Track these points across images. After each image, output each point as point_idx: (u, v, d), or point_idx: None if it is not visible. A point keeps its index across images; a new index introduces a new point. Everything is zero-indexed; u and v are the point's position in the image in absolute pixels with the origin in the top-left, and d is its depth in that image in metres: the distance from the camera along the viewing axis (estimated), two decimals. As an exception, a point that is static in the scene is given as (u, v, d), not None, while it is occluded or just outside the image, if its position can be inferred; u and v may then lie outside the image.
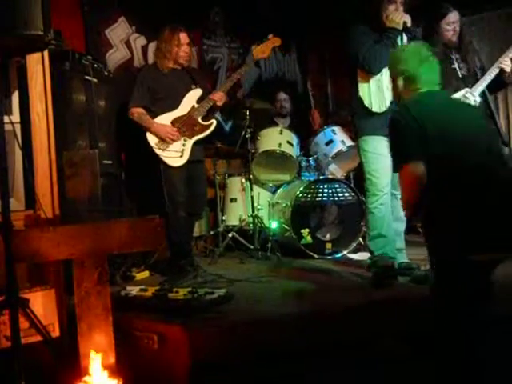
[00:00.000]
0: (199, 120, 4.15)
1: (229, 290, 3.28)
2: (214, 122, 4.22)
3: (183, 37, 4.15)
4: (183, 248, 4.13)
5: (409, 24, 3.51)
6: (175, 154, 4.06)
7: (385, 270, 3.41)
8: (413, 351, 2.90)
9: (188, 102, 4.17)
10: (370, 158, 3.57)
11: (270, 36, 4.40)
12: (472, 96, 4.15)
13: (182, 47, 4.15)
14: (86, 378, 2.39)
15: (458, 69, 4.19)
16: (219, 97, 4.16)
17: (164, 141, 4.04)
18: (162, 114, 4.10)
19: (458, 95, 4.19)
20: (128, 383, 2.43)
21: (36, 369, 2.57)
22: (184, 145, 4.09)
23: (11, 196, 2.84)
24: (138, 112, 4.09)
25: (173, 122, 4.10)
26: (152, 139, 4.06)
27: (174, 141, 4.04)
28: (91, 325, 2.49)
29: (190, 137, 4.12)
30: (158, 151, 4.05)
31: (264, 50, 4.39)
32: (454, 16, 4.08)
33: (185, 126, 4.10)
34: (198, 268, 4.13)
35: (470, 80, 4.21)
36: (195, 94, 4.20)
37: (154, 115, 4.09)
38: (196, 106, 4.16)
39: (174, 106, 4.14)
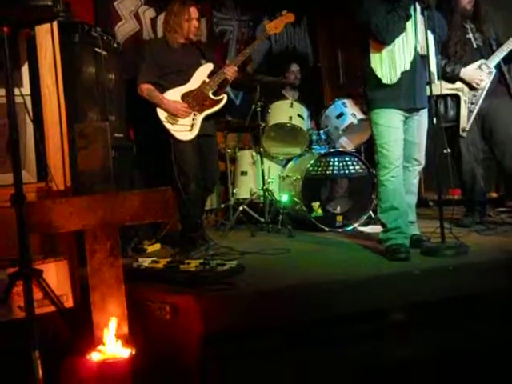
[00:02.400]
0: (210, 95, 4.12)
1: (240, 261, 3.29)
2: (225, 96, 4.19)
3: (193, 11, 4.11)
4: (194, 221, 4.13)
5: None
6: (185, 128, 4.05)
7: (398, 251, 3.39)
8: (422, 322, 2.92)
9: (199, 77, 4.14)
10: (382, 131, 3.54)
11: (284, 12, 4.36)
12: (487, 68, 4.10)
13: (192, 22, 4.11)
14: (100, 348, 2.42)
15: (472, 39, 4.14)
16: (231, 71, 4.13)
17: (174, 115, 4.03)
18: (172, 88, 4.07)
19: (472, 66, 4.14)
20: (141, 353, 2.45)
21: (50, 339, 2.61)
22: (194, 119, 4.07)
23: (23, 168, 2.85)
24: (147, 88, 4.06)
25: (183, 97, 4.08)
26: (162, 113, 4.04)
27: (184, 116, 4.03)
28: (104, 295, 2.51)
29: (200, 111, 4.10)
30: (167, 125, 4.04)
31: (277, 26, 4.34)
32: None
33: (195, 100, 4.08)
34: (210, 241, 4.14)
35: (485, 51, 4.15)
36: (206, 68, 4.17)
37: (164, 89, 4.07)
38: (207, 80, 4.13)
39: (184, 80, 4.11)
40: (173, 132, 4.03)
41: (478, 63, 4.14)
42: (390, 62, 3.48)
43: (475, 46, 4.18)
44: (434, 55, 3.55)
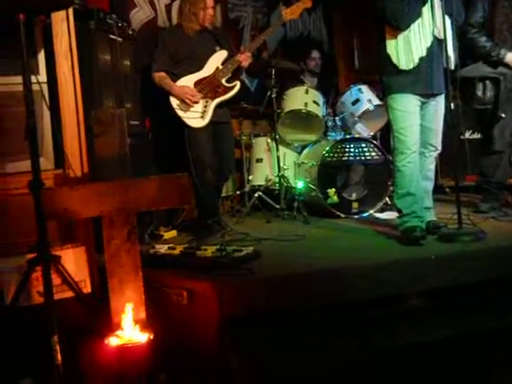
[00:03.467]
0: (223, 82, 4.11)
1: (256, 248, 3.30)
2: (238, 84, 4.17)
3: (209, 0, 4.10)
4: (210, 208, 4.14)
5: None
6: (196, 115, 4.05)
7: (413, 230, 3.38)
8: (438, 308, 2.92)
9: (213, 64, 4.13)
10: (399, 116, 3.52)
11: None
12: None
13: (208, 10, 4.10)
14: (118, 332, 2.44)
15: None
16: (245, 58, 4.12)
17: (185, 102, 4.03)
18: (186, 75, 4.07)
19: None
20: (158, 338, 2.47)
21: (69, 324, 2.63)
22: (206, 106, 4.07)
23: (41, 155, 2.87)
24: (159, 76, 4.08)
25: (196, 83, 4.07)
26: (174, 101, 4.05)
27: (193, 102, 4.02)
28: (122, 280, 2.53)
29: (213, 98, 4.09)
30: (179, 112, 4.04)
31: (294, 12, 4.31)
32: None
33: (207, 87, 4.08)
34: (226, 227, 4.15)
35: None
36: (220, 55, 4.16)
37: (178, 78, 4.07)
38: (220, 67, 4.12)
39: (199, 67, 4.10)
40: (185, 119, 4.04)
41: None
42: (406, 48, 3.45)
43: None
44: (452, 40, 3.51)
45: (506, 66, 4.12)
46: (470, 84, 4.21)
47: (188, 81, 4.07)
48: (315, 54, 6.05)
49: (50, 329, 2.38)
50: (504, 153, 4.27)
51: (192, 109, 4.05)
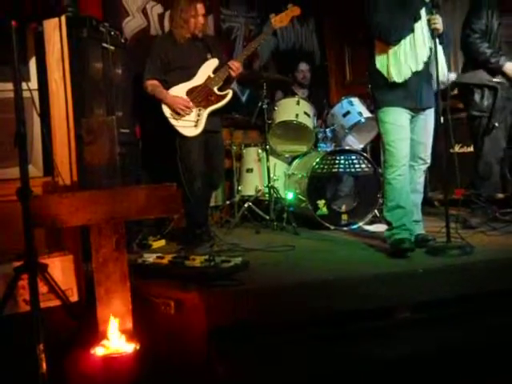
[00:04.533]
0: (215, 90, 4.11)
1: (244, 258, 3.29)
2: (230, 92, 4.17)
3: (200, 8, 4.09)
4: (199, 218, 4.14)
5: None
6: (190, 124, 4.04)
7: (402, 242, 3.40)
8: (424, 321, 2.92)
9: (204, 72, 4.12)
10: (389, 129, 3.53)
11: (290, 5, 4.33)
12: None
13: (198, 18, 4.09)
14: (104, 342, 2.43)
15: None
16: (236, 67, 4.12)
17: (175, 111, 4.02)
18: (177, 84, 4.06)
19: None
20: (145, 348, 2.46)
21: (55, 332, 2.61)
22: (199, 115, 4.06)
23: (30, 162, 2.86)
24: (151, 84, 4.06)
25: (188, 92, 4.06)
26: (166, 110, 4.03)
27: (186, 112, 4.02)
28: (109, 290, 2.52)
29: (206, 107, 4.09)
30: (172, 121, 4.03)
31: (282, 20, 4.31)
32: None
33: (200, 95, 4.07)
34: (214, 237, 4.15)
35: None
36: (211, 64, 4.15)
37: (169, 85, 4.06)
38: (212, 75, 4.11)
39: (190, 76, 4.10)
40: (178, 128, 4.02)
41: None
42: (396, 63, 3.47)
43: None
44: (443, 57, 3.54)
45: (504, 75, 4.16)
46: (468, 90, 4.25)
47: (180, 90, 4.06)
48: (303, 66, 6.08)
49: (36, 337, 2.36)
50: (494, 166, 4.29)
51: (185, 118, 4.04)
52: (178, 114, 4.02)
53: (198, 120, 4.05)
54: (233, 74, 4.13)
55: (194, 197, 4.02)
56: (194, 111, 4.05)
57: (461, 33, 4.30)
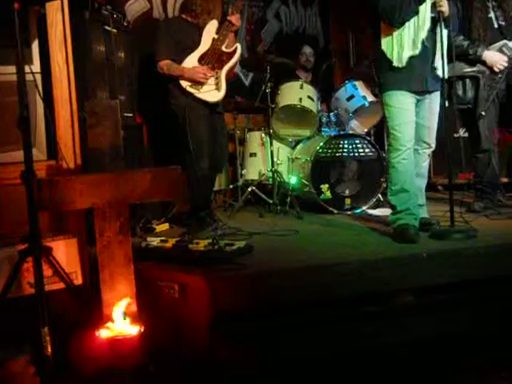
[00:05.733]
0: (223, 49, 4.13)
1: (248, 242, 3.30)
2: (238, 45, 4.20)
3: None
4: (204, 200, 4.14)
5: None
6: (211, 88, 4.05)
7: (407, 231, 3.39)
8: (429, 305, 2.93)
9: (207, 36, 4.13)
10: (394, 113, 3.52)
11: None
12: (509, 50, 4.02)
13: (219, 2, 4.15)
14: (109, 325, 2.44)
15: (493, 18, 4.06)
16: (235, 19, 4.13)
17: (198, 82, 4.02)
18: (187, 57, 4.07)
19: (494, 49, 4.08)
20: (149, 331, 2.47)
21: (60, 315, 2.63)
22: (217, 78, 4.08)
23: (33, 146, 2.85)
24: (165, 64, 4.06)
25: (199, 60, 4.08)
26: (185, 82, 4.03)
27: (207, 78, 4.03)
28: (113, 273, 2.52)
29: (221, 68, 4.11)
30: (192, 91, 4.02)
31: None
32: None
33: (212, 59, 4.08)
34: (218, 221, 4.15)
35: (508, 30, 4.07)
36: (212, 26, 4.17)
37: (180, 63, 4.06)
38: (216, 36, 4.12)
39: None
40: (200, 96, 4.03)
41: (499, 44, 4.05)
42: (400, 45, 3.44)
43: (496, 25, 4.09)
44: (447, 39, 3.52)
45: (483, 63, 4.12)
46: (449, 84, 4.21)
47: (191, 60, 4.06)
48: (306, 49, 6.05)
49: (41, 320, 2.37)
50: (492, 151, 4.27)
51: (205, 85, 4.04)
52: (197, 83, 4.02)
53: (217, 83, 4.07)
54: (235, 27, 4.15)
55: (200, 178, 4.01)
56: (212, 75, 4.06)
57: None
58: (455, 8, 4.13)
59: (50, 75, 3.11)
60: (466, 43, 4.10)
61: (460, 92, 4.19)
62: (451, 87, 4.21)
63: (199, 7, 4.19)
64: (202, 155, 4.03)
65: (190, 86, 4.02)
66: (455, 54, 4.03)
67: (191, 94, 4.02)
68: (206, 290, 2.67)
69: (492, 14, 4.08)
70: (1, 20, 2.65)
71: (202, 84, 4.03)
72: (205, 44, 4.11)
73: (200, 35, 4.13)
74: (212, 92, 4.05)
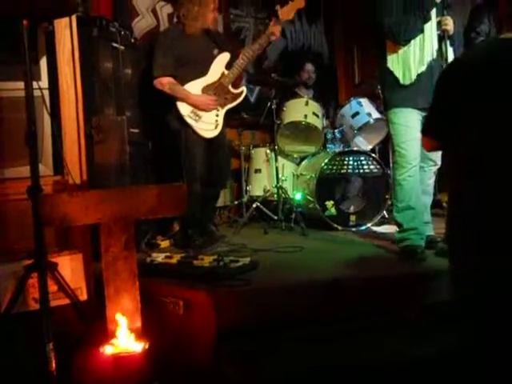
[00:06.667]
0: (230, 88, 4.02)
1: (253, 258, 3.29)
2: (244, 89, 4.11)
3: (216, 1, 4.02)
4: (192, 219, 4.02)
5: None
6: (209, 126, 3.93)
7: (414, 250, 3.38)
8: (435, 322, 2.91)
9: (217, 68, 4.01)
10: (400, 130, 3.52)
11: None
12: None
13: (215, 12, 4.03)
14: (113, 341, 2.43)
15: None
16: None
17: (200, 110, 3.90)
18: (190, 80, 3.94)
19: None
20: (154, 347, 2.46)
21: (64, 331, 2.62)
22: (217, 115, 3.97)
23: (40, 161, 2.86)
24: (169, 82, 3.89)
25: (203, 90, 3.96)
26: (185, 109, 3.90)
27: (212, 109, 3.93)
28: (118, 289, 2.52)
29: (223, 106, 4.00)
30: (190, 121, 3.89)
31: (289, 12, 4.14)
32: None
33: (216, 94, 3.97)
34: (213, 235, 4.10)
35: None
36: (224, 58, 4.05)
37: (180, 81, 3.92)
38: (226, 72, 4.01)
39: (202, 71, 3.98)
40: (196, 129, 3.90)
41: None
42: (406, 63, 3.47)
43: None
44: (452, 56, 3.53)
45: None
46: None
47: (195, 87, 3.93)
48: (308, 66, 6.08)
49: (46, 336, 2.37)
50: None
51: (204, 118, 3.92)
52: (197, 113, 3.91)
53: (216, 120, 3.96)
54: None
55: (191, 198, 3.94)
56: (214, 111, 3.97)
57: (464, 35, 4.29)
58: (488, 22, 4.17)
59: (58, 91, 3.12)
60: None
61: None
62: None
63: (187, 11, 3.97)
64: (195, 178, 3.93)
65: (189, 116, 3.89)
66: None
67: (189, 125, 3.91)
68: (211, 306, 2.66)
69: None
70: (10, 36, 2.68)
71: (201, 116, 3.91)
72: (213, 75, 3.98)
73: (198, 43, 4.01)
74: (209, 130, 3.94)
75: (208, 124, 3.94)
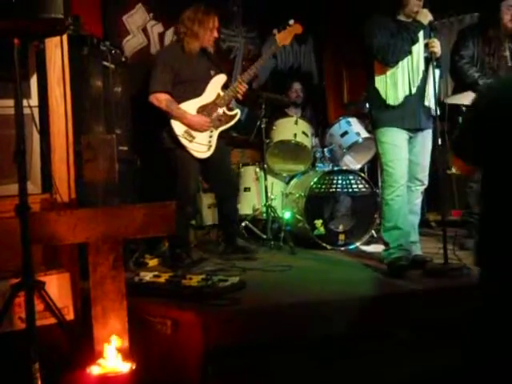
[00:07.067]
0: (225, 109, 4.06)
1: (241, 277, 3.28)
2: (238, 112, 4.14)
3: (216, 21, 4.05)
4: (181, 238, 4.05)
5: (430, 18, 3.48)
6: (202, 148, 3.95)
7: (399, 259, 3.41)
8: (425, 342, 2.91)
9: (213, 89, 4.04)
10: (387, 149, 3.56)
11: (292, 22, 4.25)
12: None
13: (214, 31, 4.05)
14: (100, 361, 2.41)
15: (509, 58, 4.17)
16: (244, 87, 4.09)
17: (194, 131, 3.92)
18: (186, 99, 3.96)
19: None
20: (141, 367, 2.44)
21: (50, 351, 2.59)
22: (211, 136, 3.99)
23: (28, 179, 2.85)
24: (166, 99, 3.91)
25: (198, 110, 3.98)
26: (179, 128, 3.91)
27: (206, 131, 3.95)
28: (106, 309, 2.51)
29: (216, 127, 4.02)
30: (183, 141, 3.91)
31: (286, 37, 4.24)
32: None
33: (211, 115, 3.99)
34: (199, 260, 4.10)
35: None
36: (220, 80, 4.08)
37: (176, 100, 3.94)
38: (221, 94, 4.05)
39: (197, 90, 4.01)
40: (189, 149, 3.93)
41: None
42: (394, 84, 3.51)
43: (510, 64, 4.20)
44: (438, 79, 3.58)
45: None
46: (457, 111, 4.28)
47: (190, 107, 3.96)
48: (296, 85, 6.15)
49: (32, 356, 2.34)
50: None
51: (198, 139, 3.94)
52: (191, 134, 3.92)
53: (209, 141, 3.98)
54: (240, 94, 4.08)
55: (180, 218, 3.93)
56: (207, 132, 3.98)
57: (450, 59, 4.36)
58: (473, 47, 4.25)
59: (48, 109, 3.12)
60: (476, 75, 4.20)
61: (461, 120, 4.28)
62: (458, 114, 4.28)
63: (186, 29, 4.00)
64: (187, 198, 3.98)
65: (183, 136, 3.90)
66: (467, 84, 4.13)
67: (182, 145, 3.93)
68: (199, 326, 2.65)
69: (507, 53, 4.19)
70: (0, 55, 2.69)
71: (195, 136, 3.93)
72: (208, 95, 4.01)
73: (196, 63, 4.03)
74: (202, 151, 3.96)
75: (201, 145, 3.96)
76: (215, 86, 4.06)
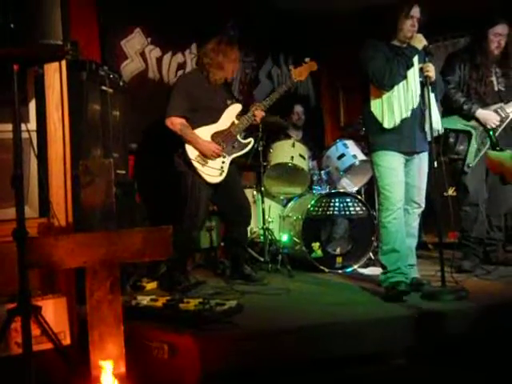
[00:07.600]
0: (238, 137, 4.13)
1: (239, 301, 3.27)
2: (252, 140, 4.21)
3: (238, 53, 4.17)
4: (180, 262, 4.08)
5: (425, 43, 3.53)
6: (214, 172, 4.01)
7: (398, 284, 3.40)
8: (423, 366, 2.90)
9: (228, 117, 4.13)
10: (384, 173, 3.58)
11: (307, 60, 4.41)
12: (504, 112, 4.17)
13: (236, 63, 4.16)
14: (97, 387, 2.40)
15: (495, 82, 4.23)
16: (260, 116, 4.16)
17: (205, 156, 3.98)
18: (201, 125, 4.03)
19: (490, 109, 4.22)
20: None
21: (47, 376, 2.58)
22: (223, 162, 4.05)
23: (26, 203, 2.85)
24: (181, 123, 3.98)
25: (213, 137, 4.05)
26: (192, 152, 3.98)
27: (215, 158, 4.00)
28: (103, 333, 2.50)
29: (229, 154, 4.09)
30: (196, 165, 3.97)
31: (302, 73, 4.39)
32: (501, 28, 4.15)
33: (225, 142, 4.06)
34: (198, 283, 4.10)
35: (506, 96, 4.24)
36: (235, 108, 4.17)
37: (192, 125, 4.01)
38: (236, 122, 4.13)
39: (213, 118, 4.09)
40: (201, 173, 3.98)
41: (496, 106, 4.22)
42: (390, 108, 3.54)
43: (496, 89, 4.26)
44: (435, 104, 3.62)
45: (477, 120, 4.26)
46: (445, 135, 4.32)
47: (205, 133, 4.03)
48: (298, 108, 6.22)
49: (28, 381, 2.33)
50: (480, 207, 4.32)
51: (210, 164, 4.00)
52: (204, 158, 3.98)
53: (222, 167, 4.04)
54: (256, 122, 4.18)
55: (184, 242, 3.95)
56: (220, 158, 4.04)
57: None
58: (459, 72, 4.30)
59: (46, 133, 3.14)
60: (462, 99, 4.25)
61: (452, 142, 4.32)
62: (446, 137, 4.31)
63: (211, 60, 4.07)
64: (195, 226, 4.02)
65: (196, 159, 3.97)
66: (453, 108, 4.17)
67: (194, 169, 3.98)
68: (196, 350, 2.64)
69: (494, 78, 4.24)
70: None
71: (207, 161, 3.98)
72: (223, 123, 4.09)
73: (215, 92, 4.11)
74: (214, 176, 4.01)
75: (214, 169, 4.02)
76: (230, 114, 4.15)
